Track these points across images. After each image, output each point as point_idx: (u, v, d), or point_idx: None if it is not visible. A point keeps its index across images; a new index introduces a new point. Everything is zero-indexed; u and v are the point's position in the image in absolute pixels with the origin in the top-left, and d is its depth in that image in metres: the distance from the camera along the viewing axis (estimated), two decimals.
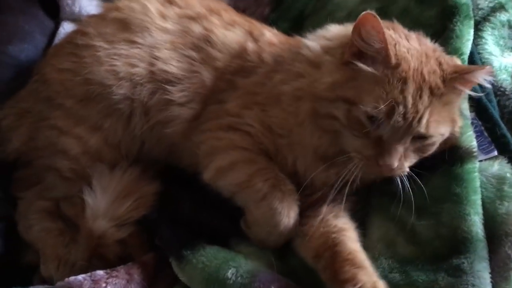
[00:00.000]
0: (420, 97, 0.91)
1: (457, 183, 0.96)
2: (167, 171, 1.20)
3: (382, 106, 0.89)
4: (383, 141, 0.92)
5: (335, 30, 1.07)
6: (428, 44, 1.00)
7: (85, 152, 1.16)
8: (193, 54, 1.14)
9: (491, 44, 1.19)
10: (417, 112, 0.91)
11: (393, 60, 0.91)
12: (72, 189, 1.16)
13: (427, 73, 0.92)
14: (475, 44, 1.18)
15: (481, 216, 0.92)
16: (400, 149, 0.93)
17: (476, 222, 0.91)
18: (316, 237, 0.97)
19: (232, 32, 1.15)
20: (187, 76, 1.13)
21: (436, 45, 1.02)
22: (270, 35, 1.17)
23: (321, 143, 1.01)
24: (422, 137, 0.94)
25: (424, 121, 0.91)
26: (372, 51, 0.92)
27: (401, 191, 0.97)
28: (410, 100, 0.90)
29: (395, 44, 0.93)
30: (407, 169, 0.95)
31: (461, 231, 0.90)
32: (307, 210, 1.03)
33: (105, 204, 1.08)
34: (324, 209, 1.00)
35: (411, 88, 0.90)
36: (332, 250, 0.93)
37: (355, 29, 0.92)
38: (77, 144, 1.16)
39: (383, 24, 0.91)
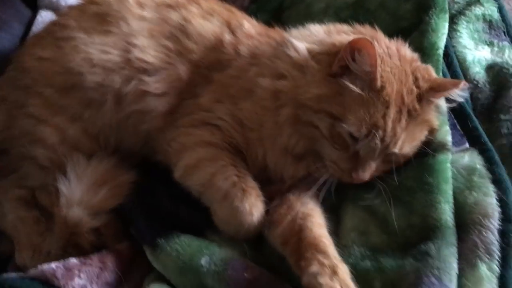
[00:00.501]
0: (399, 120, 0.95)
1: (429, 173, 0.98)
2: (144, 162, 1.20)
3: (364, 129, 0.94)
4: (359, 156, 0.97)
5: (321, 35, 1.07)
6: (406, 55, 1.03)
7: (63, 141, 1.16)
8: (170, 44, 1.14)
9: (465, 38, 1.21)
10: (395, 135, 0.96)
11: (379, 84, 0.94)
12: (49, 178, 1.14)
13: (406, 95, 0.96)
14: (450, 37, 1.20)
15: (451, 204, 0.94)
16: (373, 165, 0.99)
17: (446, 210, 0.93)
18: (284, 225, 0.98)
19: (209, 22, 1.15)
20: (163, 67, 1.13)
21: (413, 55, 1.05)
22: (249, 26, 1.17)
23: (297, 145, 1.03)
24: (395, 154, 0.99)
25: (399, 142, 0.97)
26: (360, 72, 0.94)
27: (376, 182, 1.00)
28: (390, 125, 0.95)
29: (381, 65, 0.95)
30: (378, 174, 1.01)
31: (431, 218, 0.92)
32: (275, 199, 1.03)
33: (79, 192, 1.07)
34: (291, 197, 1.01)
35: (392, 113, 0.95)
36: (298, 236, 0.94)
37: (348, 49, 0.94)
38: (55, 133, 1.16)
39: (369, 34, 0.95)
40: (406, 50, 1.05)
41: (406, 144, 0.98)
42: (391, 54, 1.00)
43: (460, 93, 1.00)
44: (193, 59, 1.13)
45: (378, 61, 0.93)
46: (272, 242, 1.00)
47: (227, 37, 1.13)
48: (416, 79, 0.99)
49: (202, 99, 1.10)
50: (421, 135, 1.01)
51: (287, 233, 0.96)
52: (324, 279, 0.85)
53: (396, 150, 0.97)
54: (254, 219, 0.99)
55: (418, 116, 0.98)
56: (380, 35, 1.05)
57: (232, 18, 1.18)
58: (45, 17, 1.50)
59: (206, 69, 1.12)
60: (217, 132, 1.07)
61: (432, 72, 1.04)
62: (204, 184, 1.02)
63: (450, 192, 0.95)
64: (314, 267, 0.88)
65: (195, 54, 1.13)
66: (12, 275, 0.97)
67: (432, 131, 1.03)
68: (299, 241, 0.94)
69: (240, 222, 0.99)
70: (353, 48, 0.93)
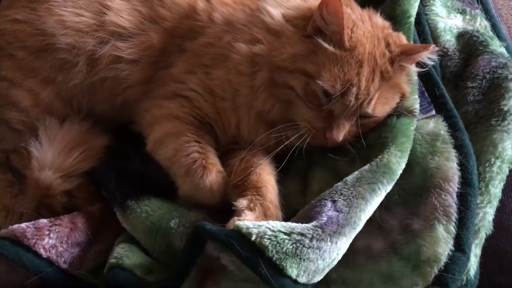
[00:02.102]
0: (373, 80, 0.98)
1: (388, 129, 1.02)
2: (119, 125, 1.21)
3: (339, 85, 0.95)
4: (334, 116, 0.99)
5: (297, 1, 1.08)
6: (378, 22, 1.05)
7: (36, 105, 1.16)
8: (143, 10, 1.13)
9: (438, 6, 1.21)
10: (368, 94, 0.98)
11: (347, 44, 0.96)
12: (22, 141, 1.14)
13: (378, 57, 0.98)
14: (423, 5, 1.21)
15: (405, 155, 0.96)
16: (347, 125, 1.00)
17: (396, 156, 0.95)
18: (236, 173, 1.02)
19: None
20: (136, 33, 1.13)
21: (385, 22, 1.07)
22: None
23: (272, 110, 1.04)
24: (368, 116, 1.01)
25: (373, 102, 0.99)
26: (330, 31, 0.96)
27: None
28: (364, 83, 0.97)
29: (353, 28, 0.97)
30: (350, 136, 1.03)
31: (375, 157, 0.96)
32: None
33: (51, 155, 1.08)
34: (245, 151, 1.05)
35: (365, 72, 0.97)
36: (246, 179, 0.99)
37: (319, 7, 0.96)
38: (28, 96, 1.16)
39: (343, 1, 0.95)
40: (378, 18, 1.08)
41: (379, 105, 1.00)
42: (363, 20, 1.03)
43: (430, 56, 1.02)
44: (167, 27, 1.12)
45: (346, 19, 0.95)
46: (228, 193, 1.03)
47: (201, 4, 1.12)
48: (388, 44, 1.02)
49: (175, 69, 1.10)
50: (393, 99, 1.03)
51: (239, 180, 1.01)
52: (250, 215, 0.91)
53: (369, 110, 0.99)
54: (215, 194, 1.01)
55: (390, 79, 1.00)
56: (354, 4, 1.07)
57: None
58: None
59: (180, 38, 1.12)
60: (186, 104, 1.07)
61: (403, 39, 1.06)
62: (169, 159, 1.04)
63: (407, 147, 0.98)
64: (246, 201, 0.95)
65: (169, 22, 1.12)
66: None
67: (403, 97, 1.05)
68: (245, 182, 0.99)
69: (201, 197, 1.02)
70: (322, 5, 0.95)
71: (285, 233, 0.84)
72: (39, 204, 1.08)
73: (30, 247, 0.94)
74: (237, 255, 0.82)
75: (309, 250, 0.83)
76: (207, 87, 1.07)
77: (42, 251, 0.95)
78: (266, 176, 1.03)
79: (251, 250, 0.82)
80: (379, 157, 0.94)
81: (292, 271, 0.82)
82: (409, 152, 0.97)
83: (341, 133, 1.00)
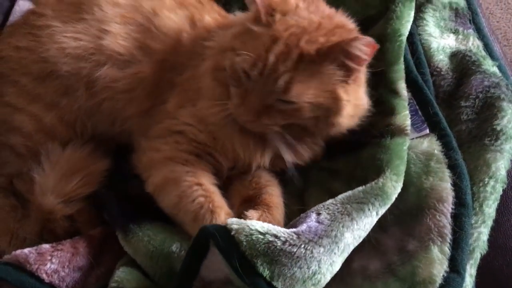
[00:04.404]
0: (285, 60, 0.94)
1: (383, 151, 1.02)
2: (120, 147, 1.23)
3: (250, 60, 0.95)
4: (248, 93, 0.98)
5: None
6: (325, 12, 1.04)
7: (40, 129, 1.18)
8: (139, 37, 1.15)
9: (431, 26, 1.23)
10: (275, 71, 0.94)
11: (263, 18, 0.97)
12: (26, 166, 1.16)
13: (305, 41, 0.95)
14: (417, 25, 1.22)
15: (400, 178, 0.97)
16: (257, 103, 0.97)
17: (391, 179, 0.95)
18: (246, 188, 1.07)
19: (174, 17, 1.16)
20: (130, 61, 1.15)
21: (336, 14, 1.06)
22: (209, 20, 1.17)
23: (219, 95, 1.04)
24: (287, 102, 0.97)
25: (281, 82, 0.94)
26: (254, 10, 0.99)
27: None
28: (271, 59, 0.94)
29: (277, 8, 0.98)
30: (276, 128, 1.01)
31: (372, 180, 0.96)
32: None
33: (53, 180, 1.10)
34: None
35: (277, 49, 0.94)
36: (256, 195, 1.04)
37: None
38: (32, 121, 1.18)
39: None
40: (325, 7, 1.07)
41: (293, 89, 0.95)
42: (309, 7, 1.03)
43: (362, 48, 0.95)
44: (158, 60, 1.14)
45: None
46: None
47: (185, 35, 1.14)
48: (325, 34, 0.98)
49: (168, 105, 1.12)
50: (318, 92, 0.97)
51: (246, 196, 1.05)
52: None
53: (278, 88, 0.95)
54: None
55: (315, 67, 0.96)
56: None
57: (197, 11, 1.19)
58: (22, 6, 1.48)
59: (170, 72, 1.13)
60: (182, 139, 1.08)
61: (346, 33, 1.01)
62: (173, 207, 1.03)
63: (401, 168, 0.98)
64: (257, 214, 0.98)
65: (159, 54, 1.14)
66: None
67: (336, 101, 0.98)
68: (256, 198, 1.03)
69: None
70: None
71: (260, 232, 0.87)
72: (42, 228, 1.10)
73: (32, 272, 0.96)
74: (217, 245, 0.87)
75: (280, 253, 0.86)
76: (198, 117, 1.08)
77: (44, 276, 0.97)
78: (277, 199, 1.05)
79: (229, 242, 0.87)
80: (375, 180, 0.96)
81: (264, 271, 0.85)
82: (403, 174, 0.98)
83: (249, 110, 0.98)
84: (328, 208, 0.92)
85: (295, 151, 1.06)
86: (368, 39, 0.94)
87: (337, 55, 0.95)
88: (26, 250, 0.98)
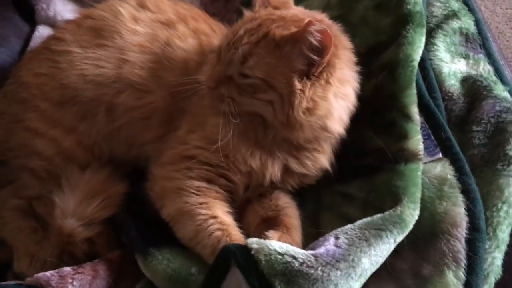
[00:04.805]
0: (250, 35, 1.01)
1: (398, 177, 1.03)
2: (137, 170, 1.26)
3: (227, 33, 1.05)
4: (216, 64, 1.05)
5: None
6: (316, 16, 1.09)
7: (59, 153, 1.22)
8: (154, 67, 1.19)
9: (442, 51, 1.24)
10: (239, 42, 1.01)
11: (256, 6, 1.08)
12: (45, 189, 1.21)
13: (276, 26, 1.01)
14: (428, 50, 1.24)
15: (417, 205, 0.99)
16: (219, 72, 1.03)
17: (409, 208, 0.97)
18: (265, 209, 1.10)
19: (185, 45, 1.20)
20: (145, 91, 1.18)
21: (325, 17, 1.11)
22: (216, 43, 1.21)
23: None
24: (244, 76, 1.01)
25: (240, 51, 1.00)
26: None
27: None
28: (241, 32, 1.02)
29: (267, 2, 1.08)
30: (231, 104, 1.03)
31: (396, 214, 0.97)
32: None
33: (73, 204, 1.13)
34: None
35: (249, 25, 1.03)
36: (276, 216, 1.06)
37: None
38: (51, 145, 1.21)
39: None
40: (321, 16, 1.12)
41: (249, 60, 0.99)
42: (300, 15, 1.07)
43: (317, 36, 0.95)
44: (169, 90, 1.16)
45: None
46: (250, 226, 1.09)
47: (192, 63, 1.18)
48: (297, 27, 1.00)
49: (179, 132, 1.14)
50: (273, 71, 0.99)
51: (265, 217, 1.08)
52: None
53: (236, 57, 1.00)
54: None
55: (275, 48, 0.99)
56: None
57: (207, 38, 1.23)
58: (42, 32, 1.55)
59: (181, 100, 1.16)
60: (194, 165, 1.09)
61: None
62: (190, 240, 1.04)
63: (417, 195, 1.00)
64: (277, 235, 1.00)
65: (170, 87, 1.16)
66: (10, 283, 1.03)
67: (290, 86, 0.99)
68: (274, 219, 1.05)
69: None
70: None
71: (279, 253, 0.89)
72: (61, 251, 1.12)
73: None
74: (237, 263, 0.90)
75: (298, 273, 0.87)
76: (207, 139, 1.09)
77: None
78: (295, 221, 1.08)
79: (248, 261, 0.90)
80: (393, 208, 0.97)
81: None
82: (420, 201, 0.99)
83: (212, 76, 1.04)
84: (346, 232, 0.93)
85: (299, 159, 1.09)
86: (321, 26, 0.95)
87: (294, 42, 0.97)
88: (48, 273, 1.00)
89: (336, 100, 1.04)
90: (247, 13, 1.08)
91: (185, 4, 1.37)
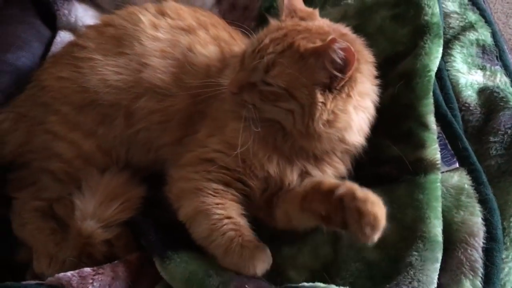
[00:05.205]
0: (276, 44, 1.03)
1: (420, 191, 1.05)
2: (155, 176, 1.27)
3: (252, 41, 1.08)
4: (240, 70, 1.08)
5: None
6: (341, 30, 1.11)
7: (79, 156, 1.24)
8: (176, 71, 1.21)
9: (459, 62, 1.26)
10: (264, 50, 1.03)
11: (283, 16, 1.09)
12: (65, 191, 1.23)
13: (301, 37, 1.03)
14: (445, 61, 1.26)
15: (440, 221, 1.01)
16: (243, 78, 1.05)
17: (436, 225, 1.00)
18: (299, 191, 1.07)
19: (207, 51, 1.23)
20: (166, 94, 1.20)
21: (350, 32, 1.13)
22: (237, 50, 1.24)
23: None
24: (267, 83, 1.03)
25: (265, 60, 1.02)
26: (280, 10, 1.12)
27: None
28: (266, 41, 1.04)
29: (294, 13, 1.11)
30: (252, 109, 1.05)
31: (420, 231, 1.00)
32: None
33: (93, 206, 1.15)
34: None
35: (275, 35, 1.05)
36: (320, 186, 1.02)
37: None
38: (71, 148, 1.24)
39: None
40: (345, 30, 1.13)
41: (274, 70, 1.01)
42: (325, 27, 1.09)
43: (339, 53, 0.97)
44: (190, 94, 1.19)
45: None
46: (287, 210, 1.08)
47: (214, 69, 1.20)
48: (322, 40, 1.02)
49: (199, 135, 1.16)
50: (296, 82, 1.01)
51: (306, 191, 1.05)
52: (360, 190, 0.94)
53: (261, 65, 1.02)
54: (255, 269, 1.02)
55: (299, 59, 1.00)
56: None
57: (227, 46, 1.26)
58: (63, 37, 1.58)
59: (201, 104, 1.18)
60: (212, 168, 1.10)
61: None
62: (204, 239, 1.05)
63: (439, 209, 1.02)
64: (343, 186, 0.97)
65: (191, 90, 1.19)
66: (31, 283, 1.05)
67: (311, 100, 1.01)
68: (322, 187, 1.02)
69: (243, 272, 1.02)
70: None
71: None
72: (80, 252, 1.14)
73: None
74: None
75: None
76: (226, 143, 1.11)
77: None
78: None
79: None
80: (424, 230, 1.00)
81: None
82: (441, 213, 1.02)
83: (235, 81, 1.05)
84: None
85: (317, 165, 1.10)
86: (344, 44, 0.95)
87: (317, 56, 0.99)
88: (69, 273, 1.02)
89: (356, 113, 1.05)
90: (273, 22, 1.10)
91: (205, 11, 1.39)
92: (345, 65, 0.98)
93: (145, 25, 1.26)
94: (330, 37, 0.97)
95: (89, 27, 1.39)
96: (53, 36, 1.60)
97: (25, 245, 1.24)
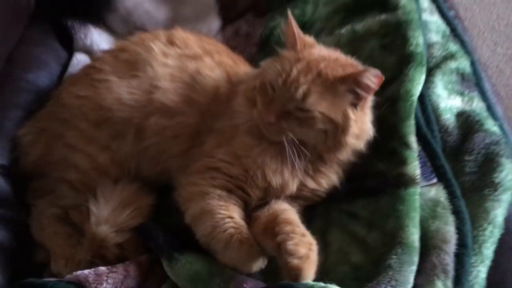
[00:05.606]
0: (306, 74, 1.14)
1: (400, 202, 1.16)
2: (162, 187, 1.37)
3: (275, 73, 1.15)
4: (272, 100, 1.16)
5: None
6: (342, 56, 1.24)
7: (94, 168, 1.33)
8: (185, 92, 1.32)
9: (440, 88, 1.38)
10: (296, 81, 1.13)
11: (298, 46, 1.19)
12: (81, 199, 1.31)
13: (323, 66, 1.16)
14: (427, 87, 1.37)
15: (418, 229, 1.12)
16: (279, 107, 1.14)
17: (413, 233, 1.11)
18: (264, 218, 1.16)
19: (214, 74, 1.34)
20: (176, 112, 1.31)
21: (354, 61, 1.24)
22: (241, 72, 1.37)
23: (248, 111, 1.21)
24: (304, 110, 1.14)
25: (300, 91, 1.13)
26: (288, 41, 1.22)
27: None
28: (294, 72, 1.14)
29: (305, 43, 1.21)
30: (290, 134, 1.15)
31: (400, 237, 1.10)
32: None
33: (107, 212, 1.24)
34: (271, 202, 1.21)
35: (300, 66, 1.15)
36: (275, 221, 1.12)
37: (286, 28, 1.22)
38: (88, 160, 1.33)
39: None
40: (346, 57, 1.25)
41: (310, 97, 1.12)
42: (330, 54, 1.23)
43: (372, 78, 1.13)
44: (200, 110, 1.30)
45: (297, 35, 1.19)
46: (256, 236, 1.15)
47: (222, 89, 1.32)
48: (343, 69, 1.17)
49: (206, 146, 1.26)
50: (331, 105, 1.14)
51: (267, 222, 1.13)
52: (292, 242, 1.04)
53: (298, 95, 1.12)
54: (251, 264, 1.13)
55: (330, 86, 1.14)
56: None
57: (232, 69, 1.37)
58: (79, 59, 1.69)
59: (210, 119, 1.29)
60: (217, 175, 1.21)
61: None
62: (207, 235, 1.14)
63: (417, 219, 1.13)
64: (286, 230, 1.07)
65: (202, 106, 1.30)
66: (52, 279, 1.15)
67: (345, 119, 1.15)
68: (275, 223, 1.11)
69: (239, 267, 1.13)
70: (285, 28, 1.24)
71: None
72: (94, 254, 1.24)
73: None
74: None
75: None
76: (232, 154, 1.21)
77: None
78: (293, 216, 1.15)
79: None
80: (403, 237, 1.10)
81: None
82: (419, 223, 1.13)
83: (271, 112, 1.13)
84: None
85: (314, 177, 1.22)
86: (377, 71, 1.12)
87: (350, 83, 1.13)
88: (86, 271, 1.13)
89: (371, 126, 1.21)
90: (285, 53, 1.20)
91: (209, 39, 1.52)
92: (373, 88, 1.15)
93: (156, 53, 1.37)
94: (360, 68, 1.16)
95: (105, 52, 1.50)
96: (69, 58, 1.71)
97: (43, 247, 1.32)
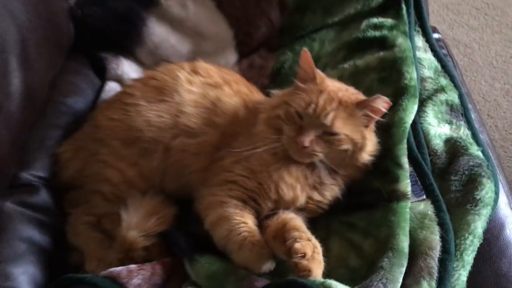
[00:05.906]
0: (330, 102, 1.32)
1: (393, 214, 1.30)
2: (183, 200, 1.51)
3: (303, 104, 1.31)
4: (302, 127, 1.30)
5: None
6: (351, 88, 1.43)
7: (124, 181, 1.45)
8: (206, 116, 1.48)
9: (431, 117, 1.54)
10: (325, 109, 1.31)
11: (318, 80, 1.35)
12: (112, 209, 1.42)
13: (341, 95, 1.34)
14: (419, 116, 1.53)
15: (407, 237, 1.27)
16: (312, 133, 1.30)
17: (403, 241, 1.25)
18: (274, 226, 1.30)
19: (233, 101, 1.50)
20: (199, 133, 1.46)
21: (359, 93, 1.41)
22: (257, 98, 1.55)
23: (271, 136, 1.34)
24: (332, 134, 1.31)
25: (329, 117, 1.30)
26: (305, 75, 1.37)
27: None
28: (321, 102, 1.31)
29: (323, 77, 1.38)
30: (320, 155, 1.32)
31: (391, 244, 1.24)
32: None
33: (136, 219, 1.36)
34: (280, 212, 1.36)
35: (324, 96, 1.33)
36: (284, 228, 1.24)
37: (300, 61, 1.37)
38: (119, 175, 1.45)
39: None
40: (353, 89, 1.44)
41: (337, 122, 1.30)
42: (340, 85, 1.42)
43: (383, 104, 1.33)
44: (220, 130, 1.43)
45: (315, 70, 1.36)
46: (267, 242, 1.27)
47: (241, 113, 1.48)
48: (355, 95, 1.40)
49: (225, 162, 1.39)
50: (353, 128, 1.33)
51: (276, 229, 1.26)
52: (300, 244, 1.17)
53: (327, 122, 1.29)
54: (261, 265, 1.24)
55: (350, 112, 1.33)
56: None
57: (248, 97, 1.55)
58: (111, 86, 1.83)
59: (229, 138, 1.42)
60: (234, 187, 1.34)
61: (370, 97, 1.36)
62: (224, 238, 1.27)
63: (407, 229, 1.28)
64: (294, 235, 1.20)
65: (222, 127, 1.43)
66: (88, 275, 1.29)
67: (363, 139, 1.34)
68: (284, 230, 1.23)
69: (251, 267, 1.24)
70: (301, 62, 1.38)
71: None
72: (124, 256, 1.38)
73: (123, 284, 1.24)
74: None
75: None
76: (249, 169, 1.34)
77: None
78: (300, 223, 1.28)
79: None
80: (394, 244, 1.24)
81: None
82: (408, 233, 1.28)
83: (306, 137, 1.28)
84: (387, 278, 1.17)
85: (319, 190, 1.37)
86: (386, 98, 1.32)
87: (366, 107, 1.33)
88: (118, 268, 1.27)
89: (376, 142, 1.38)
90: (307, 85, 1.37)
91: (228, 70, 1.69)
92: (382, 112, 1.34)
93: (182, 80, 1.53)
94: (376, 96, 1.33)
95: (135, 79, 1.66)
96: (102, 85, 1.86)
97: (77, 251, 1.42)
